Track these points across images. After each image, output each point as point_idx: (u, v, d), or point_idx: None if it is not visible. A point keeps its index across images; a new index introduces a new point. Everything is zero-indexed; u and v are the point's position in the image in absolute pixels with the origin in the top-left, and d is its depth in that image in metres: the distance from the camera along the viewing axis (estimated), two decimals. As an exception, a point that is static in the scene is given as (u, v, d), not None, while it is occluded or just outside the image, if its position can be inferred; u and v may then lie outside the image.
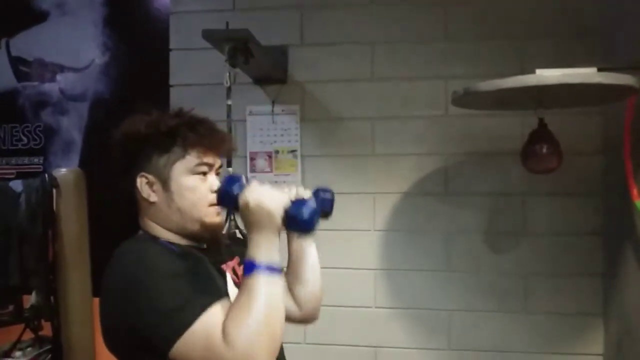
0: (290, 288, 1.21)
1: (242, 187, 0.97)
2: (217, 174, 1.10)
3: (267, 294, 0.89)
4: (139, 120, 1.05)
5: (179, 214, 1.04)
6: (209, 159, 1.06)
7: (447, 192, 2.12)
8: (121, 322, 0.93)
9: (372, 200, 2.16)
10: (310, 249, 1.20)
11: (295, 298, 1.21)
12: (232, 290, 1.04)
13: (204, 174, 1.06)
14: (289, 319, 1.14)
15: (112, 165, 1.06)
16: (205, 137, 1.05)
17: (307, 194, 1.08)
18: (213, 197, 1.04)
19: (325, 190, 1.13)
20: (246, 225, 0.96)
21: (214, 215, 1.06)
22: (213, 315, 0.89)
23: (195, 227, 1.05)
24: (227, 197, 0.98)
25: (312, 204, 0.96)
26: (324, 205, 1.09)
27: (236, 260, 1.14)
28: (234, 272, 1.12)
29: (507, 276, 2.07)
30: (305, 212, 0.94)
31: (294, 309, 1.20)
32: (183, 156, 1.04)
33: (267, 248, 0.92)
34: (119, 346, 0.97)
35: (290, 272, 1.20)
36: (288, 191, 1.04)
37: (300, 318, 1.22)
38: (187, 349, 0.87)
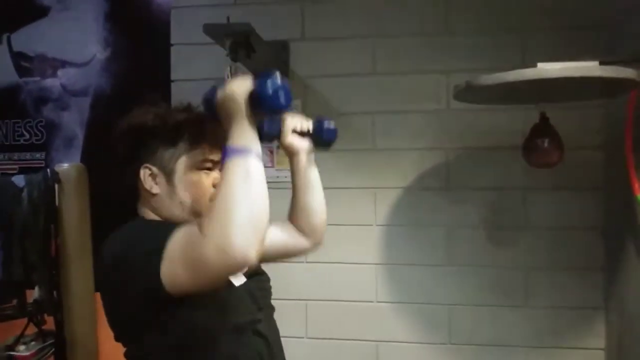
0: (297, 218, 1.23)
1: (215, 90, 0.94)
2: (221, 170, 1.10)
3: (241, 177, 0.84)
4: (146, 112, 1.06)
5: (181, 207, 1.04)
6: (214, 156, 1.06)
7: (448, 186, 2.12)
8: (120, 295, 0.94)
9: (373, 195, 2.16)
10: (313, 176, 1.23)
11: (303, 228, 1.24)
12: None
13: (209, 169, 1.06)
14: (299, 251, 1.22)
15: (115, 155, 1.07)
16: (212, 133, 1.05)
17: (309, 123, 1.14)
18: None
19: (328, 120, 1.17)
20: (223, 124, 0.92)
21: None
22: (188, 227, 0.87)
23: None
24: (207, 104, 0.95)
25: (277, 78, 0.89)
26: (326, 134, 1.13)
27: None
28: None
29: (509, 271, 2.07)
30: (269, 86, 0.87)
31: (303, 240, 1.24)
32: (189, 151, 1.05)
33: (238, 134, 0.88)
34: (121, 322, 0.98)
35: (296, 202, 1.23)
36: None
37: (310, 247, 1.26)
38: (171, 265, 0.85)
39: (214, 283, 0.88)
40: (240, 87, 0.90)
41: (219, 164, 1.07)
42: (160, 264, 0.86)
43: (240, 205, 0.82)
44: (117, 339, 1.01)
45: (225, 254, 0.79)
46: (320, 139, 1.19)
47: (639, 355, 1.70)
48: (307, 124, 1.18)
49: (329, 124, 1.15)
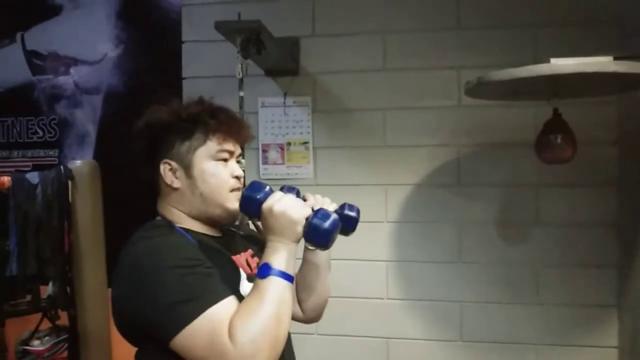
0: (298, 293, 1.24)
1: (266, 195, 0.98)
2: (238, 162, 1.12)
3: (277, 299, 0.90)
4: (161, 109, 1.07)
5: (201, 199, 1.06)
6: (229, 146, 1.08)
7: (460, 183, 2.11)
8: (128, 307, 0.95)
9: (384, 192, 2.16)
10: (325, 262, 1.22)
11: (300, 303, 1.24)
12: (244, 285, 1.05)
13: (225, 160, 1.08)
14: (292, 318, 1.16)
15: (134, 153, 1.08)
16: (225, 123, 1.07)
17: (332, 207, 1.10)
18: (234, 182, 1.07)
19: (351, 207, 1.14)
20: (267, 231, 0.97)
21: (234, 201, 1.07)
22: (219, 312, 0.89)
23: (216, 211, 1.07)
24: (251, 203, 0.99)
25: (335, 219, 0.95)
26: (347, 223, 1.09)
27: (249, 252, 1.16)
28: (248, 264, 1.13)
29: (520, 267, 2.06)
30: (327, 225, 0.94)
31: (298, 313, 1.24)
32: (204, 142, 1.06)
33: (284, 256, 0.94)
34: (127, 330, 0.99)
35: (300, 279, 1.23)
36: (313, 201, 1.07)
37: (303, 320, 1.27)
38: (189, 343, 0.88)
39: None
40: (300, 211, 0.96)
41: (235, 155, 1.10)
42: (180, 330, 0.88)
43: (274, 329, 0.89)
44: (122, 335, 1.02)
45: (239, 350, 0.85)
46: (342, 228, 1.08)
47: (653, 353, 1.69)
48: (332, 206, 1.14)
49: (350, 211, 1.13)
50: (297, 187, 1.22)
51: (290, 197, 0.97)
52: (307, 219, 0.96)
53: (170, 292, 0.90)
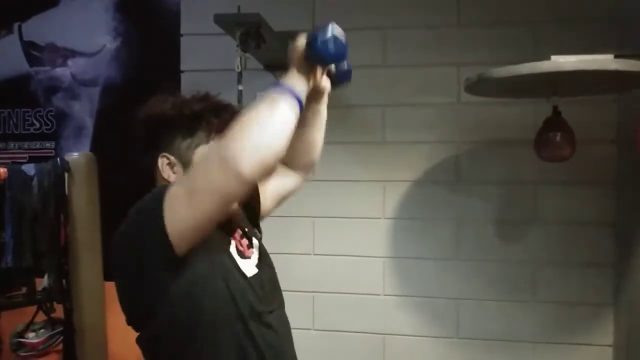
0: (300, 155, 1.25)
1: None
2: None
3: (268, 105, 0.91)
4: (164, 101, 1.06)
5: None
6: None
7: (458, 180, 2.10)
8: (128, 272, 0.96)
9: (382, 188, 2.15)
10: (325, 114, 1.24)
11: (301, 163, 1.27)
12: (233, 250, 1.04)
13: None
14: (293, 190, 1.28)
15: (133, 143, 1.07)
16: (230, 123, 1.03)
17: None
18: None
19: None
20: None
21: None
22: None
23: None
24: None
25: (327, 31, 0.98)
26: (345, 76, 1.15)
27: (239, 232, 1.12)
28: (239, 242, 1.10)
29: (517, 265, 2.06)
30: (318, 38, 0.97)
31: (296, 178, 1.29)
32: (206, 141, 1.05)
33: (286, 76, 0.97)
34: (132, 309, 0.98)
35: (304, 139, 1.23)
36: None
37: (300, 184, 1.31)
38: (170, 202, 0.89)
39: (211, 209, 0.90)
40: (301, 39, 1.00)
41: None
42: (163, 210, 0.89)
43: (256, 127, 0.89)
44: (128, 322, 1.01)
45: (226, 163, 0.86)
46: (339, 81, 1.18)
47: (648, 352, 1.69)
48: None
49: (349, 66, 1.16)
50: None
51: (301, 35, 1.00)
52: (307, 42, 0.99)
53: (147, 205, 0.94)
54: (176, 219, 0.89)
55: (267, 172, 0.92)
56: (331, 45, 0.97)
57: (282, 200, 1.30)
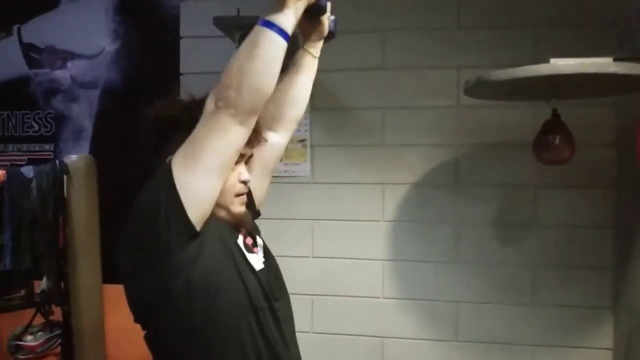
0: (289, 109, 1.25)
1: None
2: (246, 163, 1.10)
3: (250, 41, 0.96)
4: (172, 103, 1.07)
5: None
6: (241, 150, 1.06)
7: (457, 183, 2.10)
8: (136, 265, 0.98)
9: (381, 191, 2.15)
10: (315, 66, 1.26)
11: (287, 118, 1.25)
12: (240, 242, 1.06)
13: (235, 163, 1.05)
14: (281, 151, 1.26)
15: (142, 144, 1.07)
16: None
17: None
18: (241, 187, 1.07)
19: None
20: None
21: (239, 205, 1.07)
22: None
23: (220, 214, 1.05)
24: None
25: None
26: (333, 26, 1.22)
27: (244, 231, 1.14)
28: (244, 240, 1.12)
29: (516, 268, 2.06)
30: None
31: (283, 135, 1.25)
32: None
33: (270, 9, 0.98)
34: (140, 306, 0.99)
35: (297, 93, 1.24)
36: None
37: (285, 142, 1.27)
38: (177, 161, 0.95)
39: (215, 155, 0.95)
40: None
41: (245, 157, 1.08)
42: (173, 177, 0.93)
43: (244, 61, 0.95)
44: (135, 320, 1.01)
45: (221, 101, 0.93)
46: (315, 15, 1.20)
47: (648, 355, 1.69)
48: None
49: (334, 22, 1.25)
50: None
51: None
52: None
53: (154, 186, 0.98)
54: (185, 176, 0.93)
55: (261, 97, 0.97)
56: None
57: (272, 172, 1.30)
